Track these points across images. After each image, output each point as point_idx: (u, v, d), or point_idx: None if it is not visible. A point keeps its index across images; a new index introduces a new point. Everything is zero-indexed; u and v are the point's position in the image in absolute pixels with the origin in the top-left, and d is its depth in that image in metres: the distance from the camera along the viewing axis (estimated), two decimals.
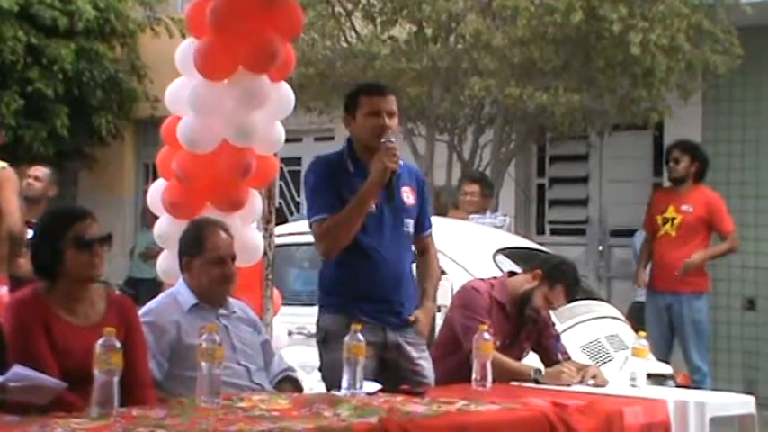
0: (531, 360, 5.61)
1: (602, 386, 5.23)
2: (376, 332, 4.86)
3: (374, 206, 4.88)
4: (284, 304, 6.30)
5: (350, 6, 10.04)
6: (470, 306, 5.44)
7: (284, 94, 5.53)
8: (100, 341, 3.55)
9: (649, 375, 5.53)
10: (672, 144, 8.64)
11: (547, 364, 5.51)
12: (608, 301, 8.18)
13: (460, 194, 8.75)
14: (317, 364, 5.06)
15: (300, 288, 7.94)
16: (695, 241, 8.26)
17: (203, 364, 3.84)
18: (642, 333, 5.57)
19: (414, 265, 5.17)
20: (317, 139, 12.72)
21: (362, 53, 9.73)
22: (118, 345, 3.57)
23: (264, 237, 5.78)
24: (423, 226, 5.14)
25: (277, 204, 6.37)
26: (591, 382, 5.26)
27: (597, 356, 6.78)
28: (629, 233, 10.21)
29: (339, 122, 10.54)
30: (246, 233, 5.57)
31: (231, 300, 4.82)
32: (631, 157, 11.39)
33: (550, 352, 5.61)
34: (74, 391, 3.71)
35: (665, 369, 7.14)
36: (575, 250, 11.16)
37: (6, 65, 12.35)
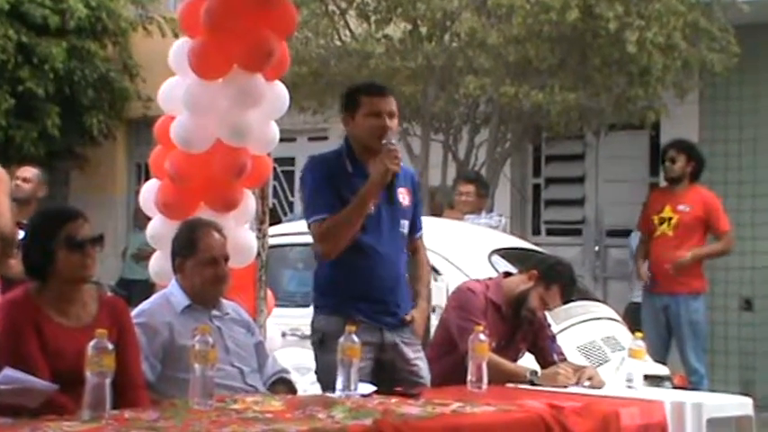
0: (527, 361, 5.61)
1: (599, 388, 5.24)
2: (373, 333, 4.87)
3: (372, 207, 4.89)
4: (278, 305, 6.29)
5: (344, 4, 10.05)
6: (466, 307, 5.44)
7: (279, 93, 5.53)
8: (92, 343, 3.54)
9: (646, 377, 5.56)
10: (668, 143, 8.66)
11: (543, 366, 5.51)
12: (604, 301, 8.18)
13: (456, 194, 8.76)
14: (312, 365, 5.06)
15: (294, 289, 7.94)
16: (692, 241, 8.28)
17: (196, 365, 3.83)
18: (639, 334, 5.58)
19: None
20: (310, 139, 12.71)
21: (357, 52, 9.73)
22: (110, 346, 3.56)
23: (258, 237, 5.78)
24: (416, 227, 5.16)
25: (270, 205, 6.37)
26: (587, 383, 5.26)
27: (593, 358, 6.79)
28: (626, 233, 10.22)
29: (333, 122, 10.62)
30: (240, 234, 5.57)
31: (224, 301, 4.81)
32: (628, 156, 11.40)
33: (546, 353, 5.62)
34: (65, 393, 3.71)
35: (662, 370, 7.15)
36: (571, 251, 11.18)
37: None
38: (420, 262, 5.21)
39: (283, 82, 5.58)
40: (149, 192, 5.66)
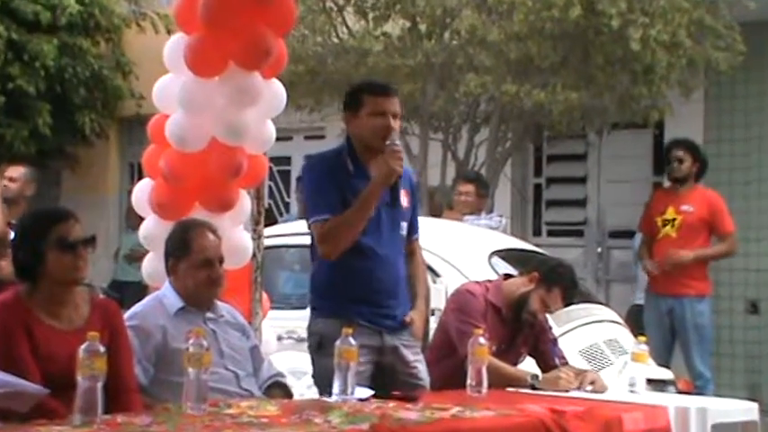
0: (528, 365, 5.62)
1: (601, 392, 5.25)
2: (372, 336, 4.87)
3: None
4: (273, 308, 6.30)
5: (341, 1, 10.04)
6: (465, 310, 5.44)
7: (276, 91, 5.53)
8: (83, 346, 3.54)
9: (649, 381, 5.55)
10: (673, 143, 8.61)
11: (544, 370, 5.52)
12: (606, 304, 8.18)
13: (455, 195, 8.76)
14: (308, 369, 5.06)
15: (290, 291, 7.94)
16: (696, 242, 8.27)
17: (190, 369, 3.83)
18: (642, 337, 5.60)
19: None
20: (307, 138, 12.71)
21: (354, 49, 9.73)
22: (102, 349, 3.56)
23: (253, 238, 5.78)
24: (414, 229, 5.16)
25: (266, 205, 6.37)
26: (589, 387, 5.27)
27: (596, 361, 6.79)
28: (629, 234, 10.21)
29: (330, 121, 10.63)
30: (235, 234, 5.57)
31: (219, 303, 4.82)
32: (631, 156, 11.40)
33: (547, 357, 5.62)
34: (56, 397, 3.71)
35: (666, 374, 7.15)
36: (572, 252, 11.18)
37: None
38: (417, 263, 5.21)
39: (280, 80, 5.58)
40: (142, 192, 5.66)
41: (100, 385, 3.53)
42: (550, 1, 8.87)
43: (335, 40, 10.04)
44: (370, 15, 9.89)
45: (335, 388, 4.22)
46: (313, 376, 5.01)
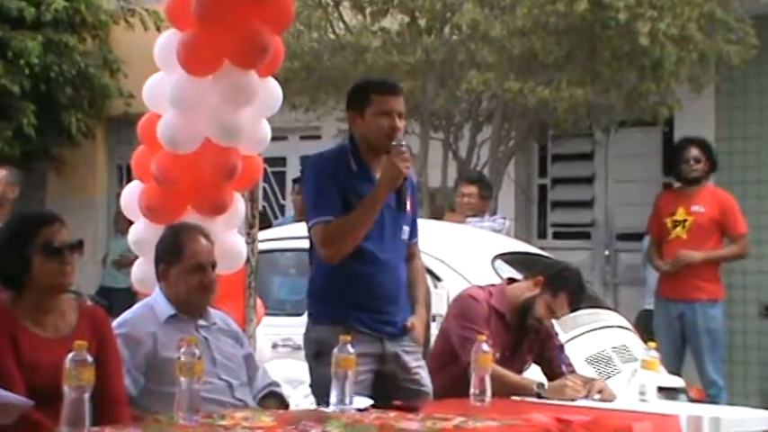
0: (533, 373, 5.62)
1: (610, 401, 5.25)
2: (373, 343, 4.87)
3: None
4: (268, 314, 6.30)
5: None
6: (467, 315, 5.44)
7: (272, 90, 5.53)
8: (70, 355, 3.53)
9: (660, 389, 5.55)
10: (686, 141, 8.58)
11: (550, 378, 5.52)
12: (615, 309, 8.19)
13: (457, 196, 8.77)
14: (304, 378, 5.06)
15: (286, 297, 7.94)
16: (708, 244, 8.27)
17: (182, 378, 3.83)
18: (652, 344, 5.59)
19: None
20: (302, 138, 12.71)
21: (351, 45, 9.73)
22: (90, 359, 3.55)
23: (247, 242, 5.78)
24: (414, 232, 5.17)
25: (261, 208, 6.38)
26: (597, 396, 5.27)
27: (604, 369, 6.79)
28: (637, 237, 10.21)
29: (326, 120, 10.61)
30: (228, 239, 5.57)
31: (211, 310, 4.82)
32: (639, 155, 11.40)
33: (554, 364, 5.62)
34: (42, 409, 3.70)
35: (677, 382, 7.15)
36: (579, 255, 11.18)
37: None
38: (417, 267, 5.21)
39: (275, 77, 5.58)
40: (131, 194, 5.65)
41: (87, 396, 3.51)
42: None
43: (332, 36, 10.05)
44: (368, 10, 9.89)
45: (333, 397, 4.21)
46: (310, 385, 5.01)
